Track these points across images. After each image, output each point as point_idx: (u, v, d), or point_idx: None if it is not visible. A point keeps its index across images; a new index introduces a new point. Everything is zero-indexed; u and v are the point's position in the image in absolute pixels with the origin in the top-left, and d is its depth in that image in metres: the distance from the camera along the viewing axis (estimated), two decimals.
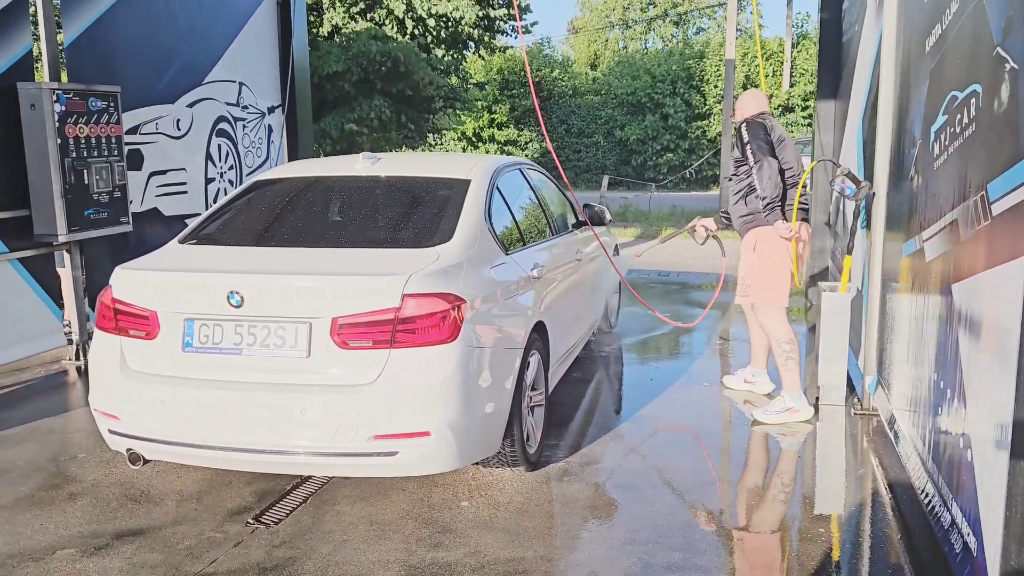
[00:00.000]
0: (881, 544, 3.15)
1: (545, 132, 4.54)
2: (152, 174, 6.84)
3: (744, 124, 4.39)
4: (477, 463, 3.57)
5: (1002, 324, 2.21)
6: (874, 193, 4.35)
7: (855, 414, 4.53)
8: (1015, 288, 2.08)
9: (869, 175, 4.56)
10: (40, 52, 5.67)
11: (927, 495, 3.07)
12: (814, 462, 4.06)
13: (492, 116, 27.21)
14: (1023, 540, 1.92)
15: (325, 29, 14.80)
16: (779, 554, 3.12)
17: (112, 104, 5.74)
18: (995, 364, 2.27)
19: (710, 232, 4.92)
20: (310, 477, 3.70)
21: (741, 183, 4.49)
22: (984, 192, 2.40)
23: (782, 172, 4.30)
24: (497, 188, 4.13)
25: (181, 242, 3.85)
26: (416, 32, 15.22)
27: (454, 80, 16.41)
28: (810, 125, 21.94)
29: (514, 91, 27.50)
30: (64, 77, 5.87)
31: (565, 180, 5.07)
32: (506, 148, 26.76)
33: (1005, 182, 2.22)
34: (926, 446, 3.22)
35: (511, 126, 27.32)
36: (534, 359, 3.82)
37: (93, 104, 5.58)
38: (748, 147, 4.31)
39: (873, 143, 4.44)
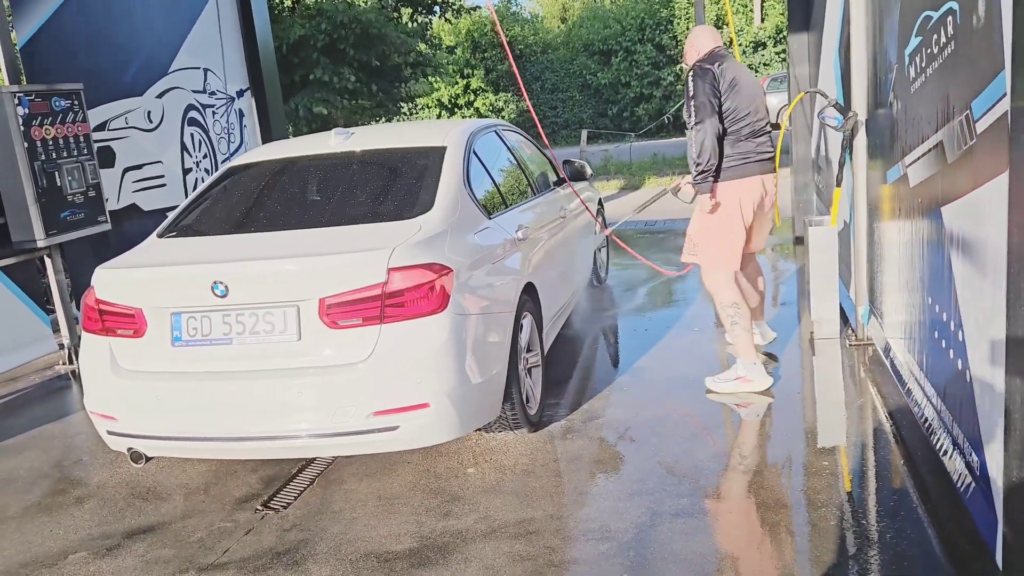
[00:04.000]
0: (885, 471, 3.18)
1: (524, 91, 4.40)
2: (126, 170, 6.73)
3: (691, 72, 3.94)
4: (479, 429, 3.57)
5: (992, 242, 2.20)
6: (864, 121, 4.29)
7: (850, 345, 4.55)
8: (1001, 204, 2.07)
9: (848, 105, 4.51)
10: None
11: (927, 419, 3.09)
12: (814, 396, 4.08)
13: (467, 82, 26.86)
14: None
15: (287, 2, 14.51)
16: (786, 490, 3.15)
17: (76, 102, 5.62)
18: (988, 282, 2.26)
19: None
20: (315, 459, 3.70)
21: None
22: (968, 111, 2.37)
23: (725, 134, 3.91)
24: (474, 152, 4.08)
25: (160, 236, 3.80)
26: None
27: (423, 47, 16.15)
28: (784, 60, 21.75)
29: (486, 53, 27.13)
30: (24, 79, 5.74)
31: (544, 140, 4.99)
32: (487, 115, 26.47)
33: (987, 98, 2.19)
34: (923, 370, 3.23)
35: (489, 92, 26.99)
36: (527, 321, 3.80)
37: (57, 104, 5.46)
38: (692, 103, 3.89)
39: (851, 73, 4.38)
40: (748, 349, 4.10)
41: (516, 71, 4.41)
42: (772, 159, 4.09)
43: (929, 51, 2.81)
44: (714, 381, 4.15)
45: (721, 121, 3.88)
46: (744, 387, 4.07)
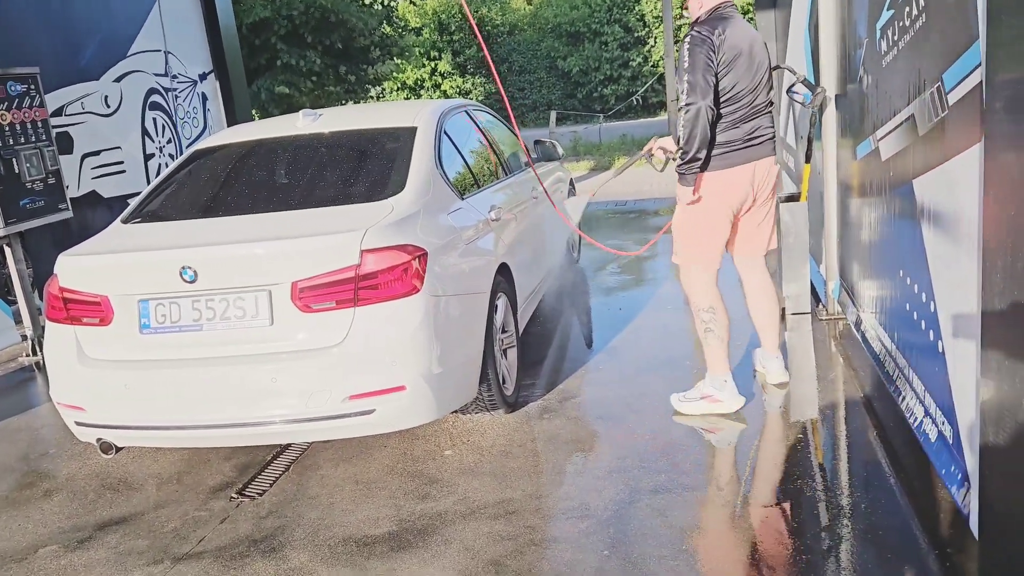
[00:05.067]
0: (858, 442, 3.22)
1: (496, 76, 4.27)
2: (85, 156, 6.58)
3: (688, 38, 3.33)
4: (456, 411, 3.55)
5: (965, 212, 2.21)
6: (832, 97, 4.31)
7: (821, 320, 4.59)
8: (973, 175, 2.08)
9: (818, 82, 4.53)
10: None
11: (899, 390, 3.12)
12: (787, 371, 4.11)
13: (434, 65, 26.62)
14: (999, 423, 1.96)
15: None
16: (760, 464, 3.17)
17: (33, 86, 5.46)
18: (960, 253, 2.28)
19: (669, 154, 3.77)
20: (290, 445, 3.66)
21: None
22: (940, 83, 2.38)
23: (720, 118, 3.35)
24: (445, 132, 4.03)
25: (124, 222, 3.71)
26: None
27: (388, 28, 15.96)
28: None
29: (454, 35, 26.90)
30: None
31: (514, 124, 4.88)
32: (454, 98, 26.31)
33: (959, 69, 2.20)
34: (894, 342, 3.27)
35: (456, 75, 26.78)
36: (501, 301, 3.78)
37: (12, 88, 5.31)
38: (685, 77, 3.28)
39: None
40: (719, 362, 3.59)
41: (488, 56, 4.29)
42: (769, 141, 3.49)
43: (901, 24, 2.81)
44: (680, 401, 3.68)
45: (716, 104, 3.31)
46: (712, 408, 3.59)
